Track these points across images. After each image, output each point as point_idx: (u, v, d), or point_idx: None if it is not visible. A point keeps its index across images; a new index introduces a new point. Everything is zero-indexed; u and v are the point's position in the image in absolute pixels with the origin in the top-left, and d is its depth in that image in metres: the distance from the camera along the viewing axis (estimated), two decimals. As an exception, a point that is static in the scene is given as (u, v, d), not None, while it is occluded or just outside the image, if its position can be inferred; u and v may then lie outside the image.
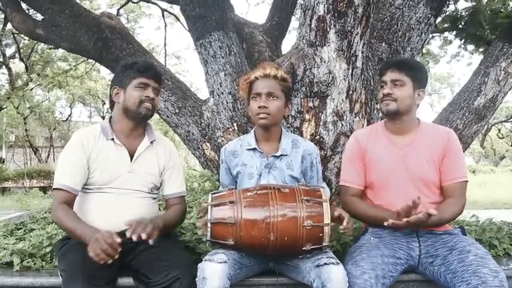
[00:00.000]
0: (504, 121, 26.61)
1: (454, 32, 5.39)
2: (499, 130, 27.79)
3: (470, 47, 5.64)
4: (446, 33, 5.80)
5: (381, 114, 3.09)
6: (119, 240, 1.73)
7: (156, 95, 2.12)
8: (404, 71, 2.10)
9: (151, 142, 2.15)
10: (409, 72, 2.10)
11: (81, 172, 2.00)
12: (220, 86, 3.28)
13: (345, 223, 1.88)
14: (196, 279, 1.79)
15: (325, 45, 2.92)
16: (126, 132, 2.11)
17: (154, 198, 2.19)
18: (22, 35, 10.40)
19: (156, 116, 2.83)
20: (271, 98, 2.06)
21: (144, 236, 1.78)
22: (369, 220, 2.12)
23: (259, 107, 2.04)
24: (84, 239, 1.78)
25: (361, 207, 2.13)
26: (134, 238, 1.77)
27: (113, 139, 2.07)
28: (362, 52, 3.00)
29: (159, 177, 2.17)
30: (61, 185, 1.96)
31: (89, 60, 12.13)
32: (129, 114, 2.08)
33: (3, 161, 19.50)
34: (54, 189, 1.99)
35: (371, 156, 2.17)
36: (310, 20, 2.93)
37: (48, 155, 20.27)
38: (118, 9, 10.46)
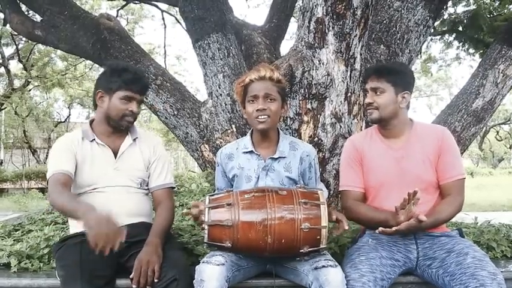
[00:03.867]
0: (502, 123, 26.70)
1: (454, 35, 5.42)
2: (497, 132, 27.86)
3: (470, 49, 5.66)
4: (447, 37, 5.83)
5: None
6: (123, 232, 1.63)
7: (139, 107, 2.14)
8: (383, 77, 2.09)
9: (134, 140, 2.18)
10: (389, 77, 2.09)
11: (71, 159, 2.02)
12: (219, 88, 3.28)
13: (341, 230, 1.90)
14: (193, 281, 1.79)
15: (323, 47, 2.92)
16: (107, 134, 2.15)
17: (146, 194, 2.22)
18: (21, 36, 10.38)
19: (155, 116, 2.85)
20: (268, 100, 2.04)
21: (149, 283, 1.81)
22: (371, 223, 2.09)
23: (257, 110, 2.03)
24: (76, 214, 1.73)
25: (362, 211, 2.11)
26: None
27: (94, 139, 2.11)
28: (360, 54, 3.00)
29: (146, 171, 2.19)
30: (53, 171, 1.97)
31: (88, 61, 12.14)
32: (110, 122, 2.12)
33: (1, 162, 19.47)
34: (48, 179, 1.99)
35: (368, 161, 2.17)
36: (309, 22, 2.93)
37: (47, 156, 20.21)
38: (118, 10, 10.46)
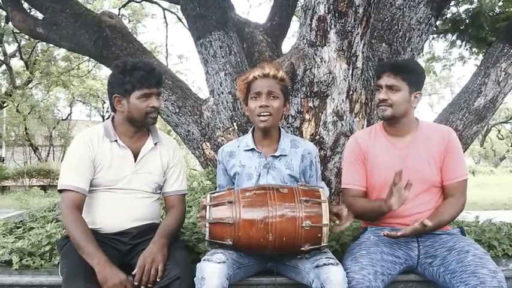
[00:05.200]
0: (504, 122, 26.61)
1: (456, 34, 5.41)
2: (499, 131, 27.79)
3: (473, 49, 5.65)
4: (449, 36, 5.81)
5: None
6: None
7: (159, 99, 2.09)
8: (400, 75, 2.06)
9: (155, 144, 2.15)
10: (405, 76, 2.07)
11: (87, 172, 2.00)
12: (220, 86, 3.28)
13: (343, 221, 1.90)
14: (195, 279, 1.79)
15: (325, 45, 2.92)
16: (130, 134, 2.11)
17: (157, 199, 2.21)
18: (23, 34, 10.39)
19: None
20: (271, 97, 2.05)
21: (151, 282, 1.81)
22: (369, 214, 2.10)
23: (260, 107, 2.03)
24: (90, 262, 1.80)
25: (360, 205, 2.11)
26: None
27: (116, 141, 2.07)
28: (362, 52, 3.00)
29: (163, 176, 2.17)
30: (68, 185, 1.95)
31: (91, 60, 12.14)
32: (134, 122, 2.07)
33: (3, 160, 19.48)
34: (60, 190, 1.97)
35: (372, 159, 2.16)
36: (311, 20, 2.93)
37: (48, 153, 20.26)
38: (119, 9, 10.46)
